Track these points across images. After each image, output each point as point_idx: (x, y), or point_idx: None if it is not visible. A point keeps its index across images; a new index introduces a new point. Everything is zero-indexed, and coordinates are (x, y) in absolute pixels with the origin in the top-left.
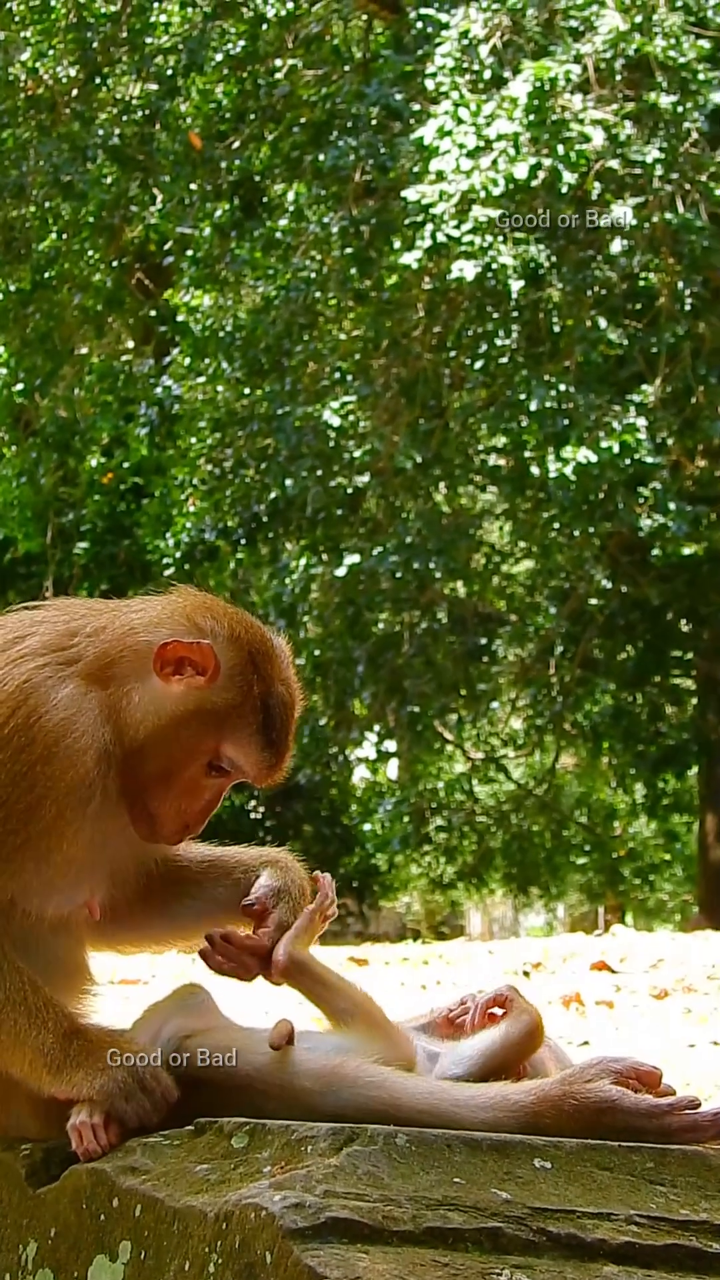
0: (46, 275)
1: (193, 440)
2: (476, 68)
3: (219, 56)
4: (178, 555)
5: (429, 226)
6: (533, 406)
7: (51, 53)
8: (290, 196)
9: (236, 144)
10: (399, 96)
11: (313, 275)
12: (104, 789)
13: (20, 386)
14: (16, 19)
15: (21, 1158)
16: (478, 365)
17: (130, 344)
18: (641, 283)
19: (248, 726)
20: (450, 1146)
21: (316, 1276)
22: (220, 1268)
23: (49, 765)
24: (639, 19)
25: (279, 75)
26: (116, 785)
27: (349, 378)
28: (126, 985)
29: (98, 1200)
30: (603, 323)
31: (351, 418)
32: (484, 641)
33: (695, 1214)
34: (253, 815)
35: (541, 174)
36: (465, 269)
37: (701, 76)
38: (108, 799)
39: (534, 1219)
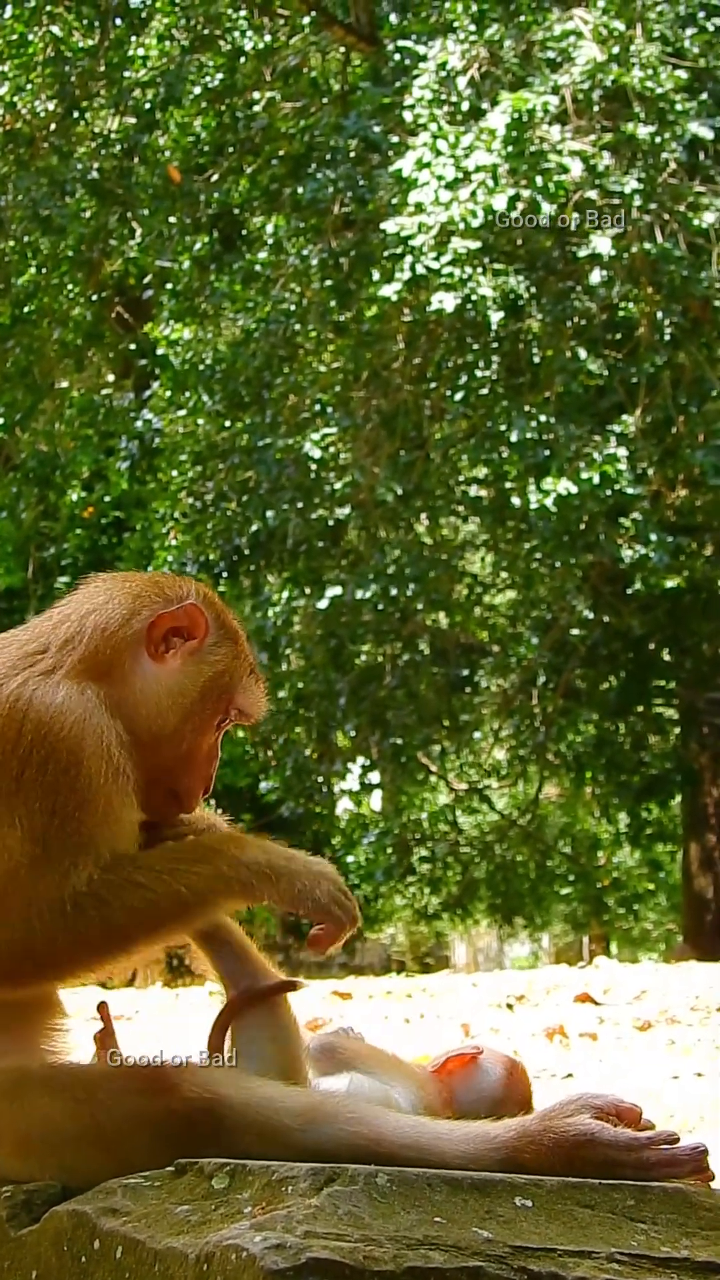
0: (26, 309)
1: (173, 473)
2: (454, 99)
3: (197, 90)
4: None
5: (408, 258)
6: (513, 437)
7: (29, 87)
8: (269, 229)
9: (215, 177)
10: (377, 128)
11: (292, 308)
12: (128, 780)
13: (0, 421)
14: None
15: (3, 1200)
16: (458, 396)
17: (110, 378)
18: (621, 313)
19: (245, 669)
20: (431, 1185)
21: None
22: None
23: (80, 767)
24: (616, 50)
25: (257, 108)
26: (133, 777)
27: (329, 410)
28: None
29: (79, 1242)
30: (583, 353)
31: (332, 450)
32: (466, 672)
33: (676, 1251)
34: None
35: (520, 205)
36: (445, 300)
37: (679, 107)
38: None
39: (515, 1258)
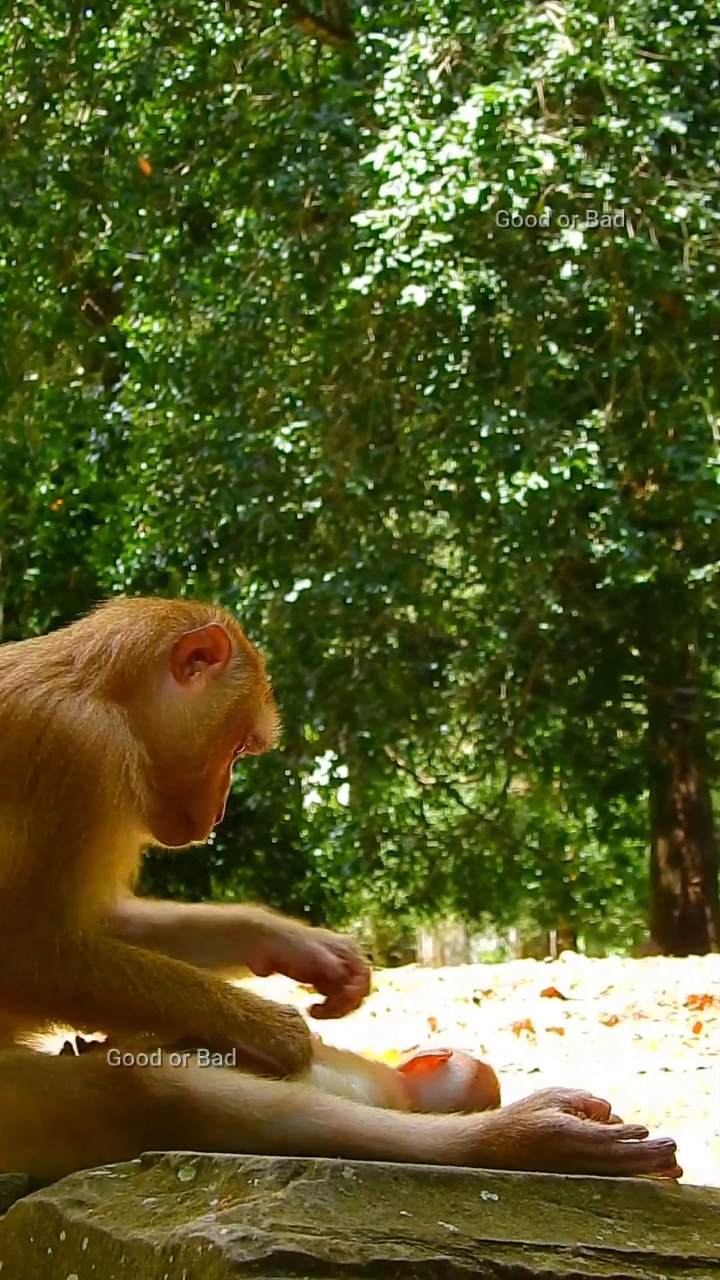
0: None
1: (143, 466)
2: (426, 92)
3: (168, 82)
4: (128, 582)
5: (379, 252)
6: (484, 432)
7: (0, 79)
8: (240, 222)
9: (186, 170)
10: (348, 122)
11: (262, 301)
12: (140, 805)
13: None
14: None
15: None
16: (428, 390)
17: (80, 370)
18: (592, 308)
19: (264, 696)
20: (398, 1179)
21: None
22: None
23: (95, 784)
24: (589, 43)
25: (228, 101)
26: (146, 801)
27: (299, 403)
28: None
29: (45, 1234)
30: (553, 348)
31: (302, 443)
32: (435, 667)
33: (642, 1246)
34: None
35: (492, 199)
36: (415, 294)
37: (651, 100)
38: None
39: (481, 1251)
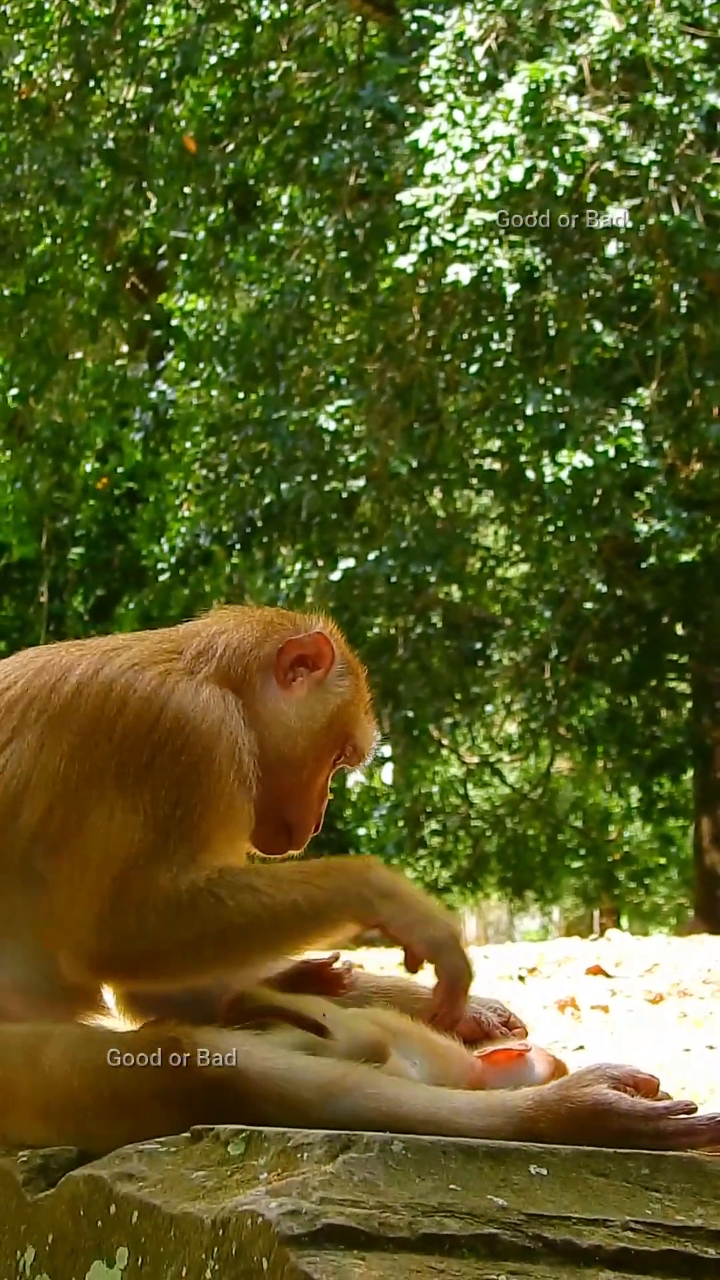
0: (40, 280)
1: (187, 445)
2: (471, 70)
3: (213, 59)
4: (172, 560)
5: (424, 230)
6: (528, 410)
7: (45, 56)
8: (285, 200)
9: (230, 147)
10: (393, 99)
11: (307, 279)
12: (251, 791)
13: (15, 392)
14: (10, 22)
15: (20, 1164)
16: (473, 369)
17: (124, 349)
18: (637, 285)
19: (364, 706)
20: (446, 1153)
21: None
22: (217, 1274)
23: (211, 764)
24: (634, 20)
25: (273, 78)
26: (254, 791)
27: (343, 382)
28: None
29: (95, 1207)
30: (598, 326)
31: (346, 422)
32: (479, 646)
33: (690, 1220)
34: None
35: (537, 176)
36: (460, 272)
37: (697, 77)
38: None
39: (530, 1225)
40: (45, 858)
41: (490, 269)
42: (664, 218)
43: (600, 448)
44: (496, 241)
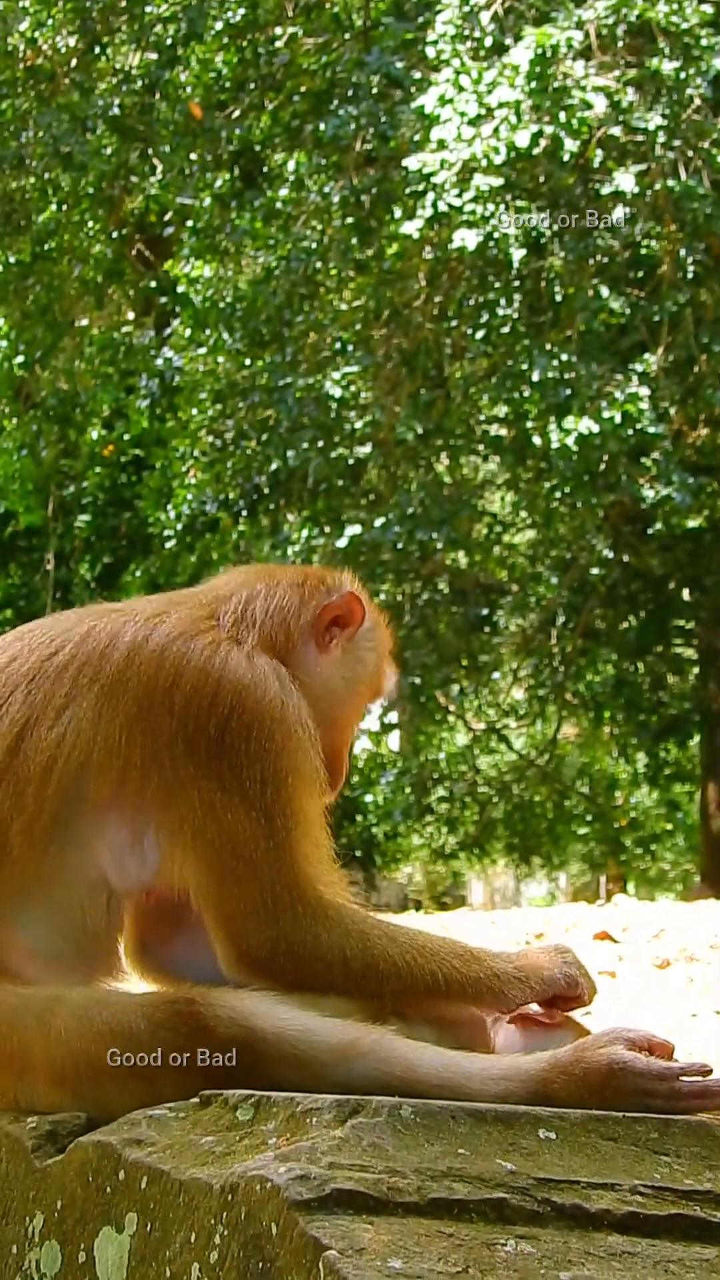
0: (46, 247)
1: (194, 412)
2: (477, 35)
3: (219, 25)
4: (179, 527)
5: (430, 195)
6: (535, 376)
7: (50, 23)
8: (291, 166)
9: (236, 113)
10: (400, 64)
11: (313, 245)
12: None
13: (20, 359)
14: None
15: (28, 1130)
16: (479, 335)
17: (130, 315)
18: (643, 251)
19: (388, 658)
20: (455, 1118)
21: (321, 1248)
22: (226, 1239)
23: (287, 735)
24: None
25: (279, 44)
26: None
27: (350, 348)
28: None
29: (104, 1173)
30: (605, 291)
31: (353, 388)
32: (486, 612)
33: (699, 1184)
34: None
35: (543, 142)
36: (466, 238)
37: (704, 42)
38: None
39: (538, 1189)
40: (156, 830)
41: (496, 234)
42: (671, 183)
43: (606, 413)
44: (503, 207)
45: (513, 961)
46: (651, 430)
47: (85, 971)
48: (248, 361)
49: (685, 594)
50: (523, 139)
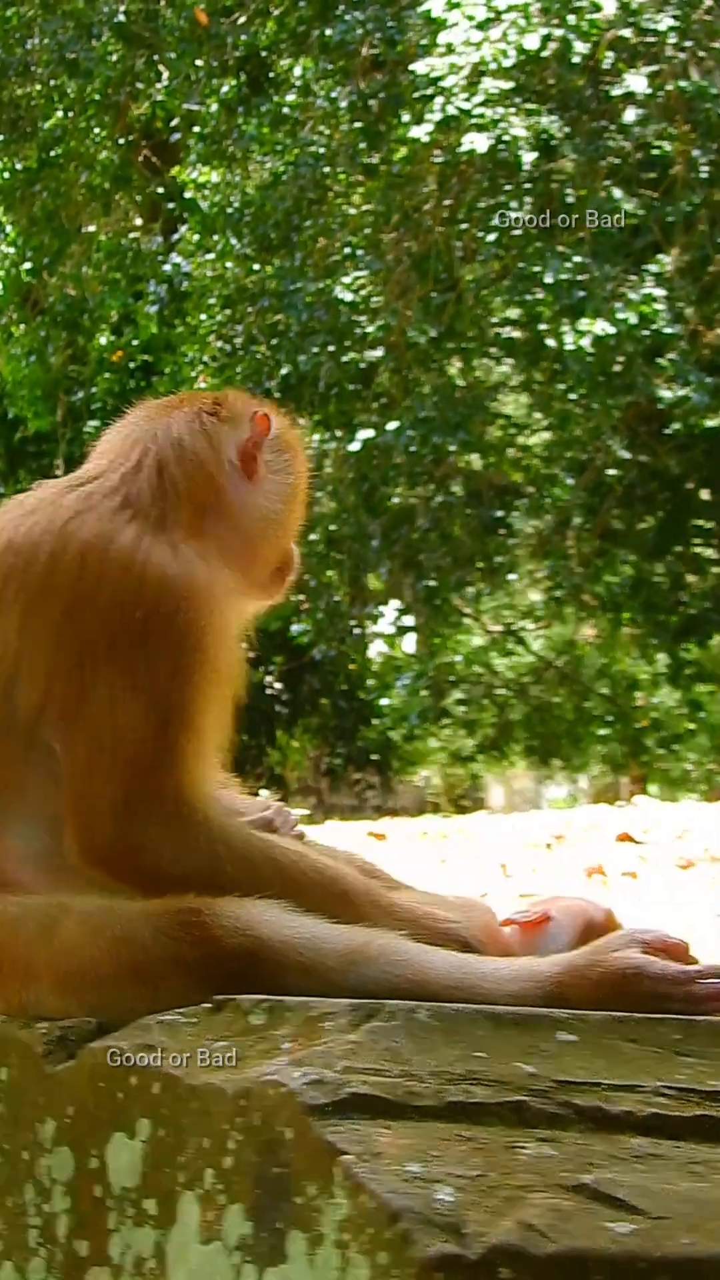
0: (53, 154)
1: (202, 317)
2: None
3: None
4: None
5: (439, 99)
6: (547, 279)
7: None
8: (297, 71)
9: (242, 19)
10: None
11: (321, 150)
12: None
13: (28, 265)
14: None
15: (39, 1036)
16: (490, 238)
17: (138, 221)
18: (655, 152)
19: (300, 446)
20: (473, 1021)
21: (337, 1152)
22: (240, 1145)
23: (206, 635)
24: None
25: None
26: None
27: (360, 252)
28: None
29: (115, 1079)
30: (617, 193)
31: (363, 292)
32: (500, 514)
33: None
34: (269, 691)
35: (553, 44)
36: (476, 141)
37: None
38: None
39: (559, 1092)
40: (54, 731)
41: (506, 137)
42: (682, 83)
43: (621, 315)
44: (512, 110)
45: (401, 914)
46: (667, 331)
47: (82, 877)
48: (256, 267)
49: (704, 494)
50: (532, 42)
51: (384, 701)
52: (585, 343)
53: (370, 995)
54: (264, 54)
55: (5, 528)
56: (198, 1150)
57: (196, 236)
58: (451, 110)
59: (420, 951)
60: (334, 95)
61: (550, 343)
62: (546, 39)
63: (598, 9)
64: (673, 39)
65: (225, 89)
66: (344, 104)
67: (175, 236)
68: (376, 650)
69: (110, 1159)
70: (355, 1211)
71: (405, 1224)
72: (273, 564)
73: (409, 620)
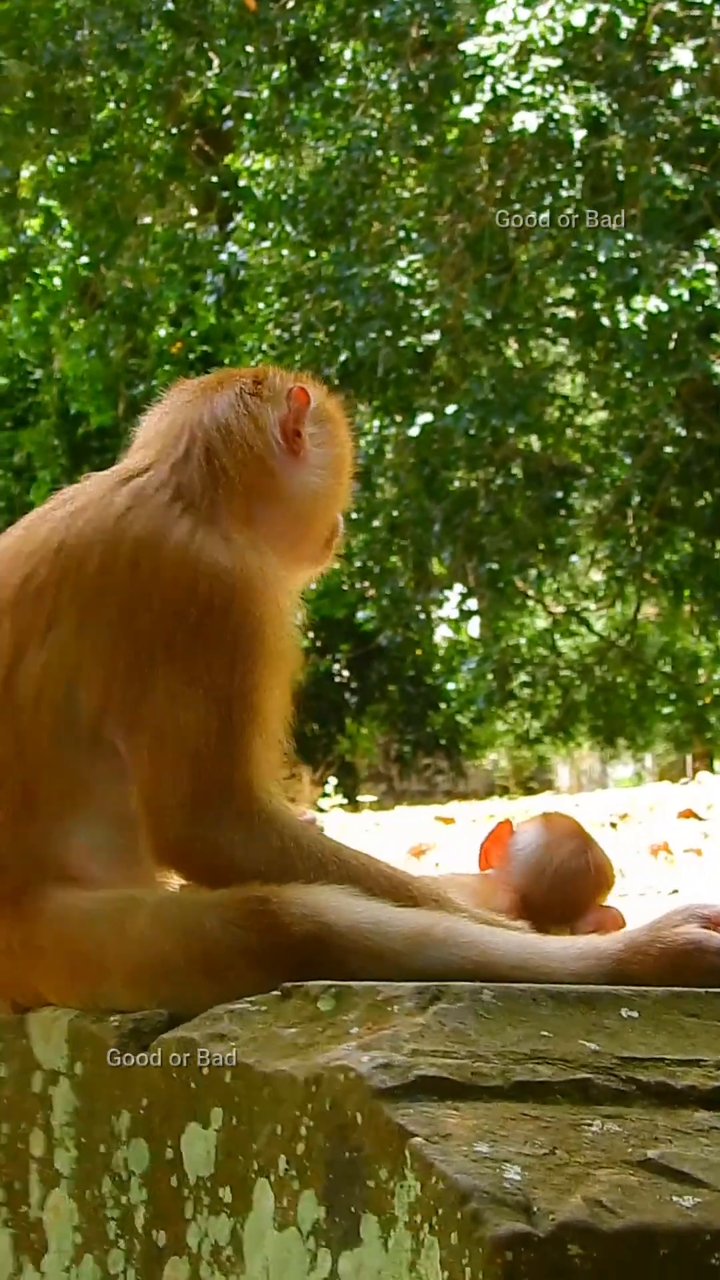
0: (106, 146)
1: (260, 305)
2: None
3: None
4: None
5: (488, 79)
6: (600, 257)
7: None
8: (347, 55)
9: (291, 4)
10: None
11: (373, 134)
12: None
13: (85, 259)
14: None
15: (111, 1029)
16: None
17: (193, 211)
18: (705, 126)
19: (343, 419)
20: (536, 1000)
21: (407, 1134)
22: (312, 1130)
23: (264, 625)
24: None
25: None
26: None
27: (414, 236)
28: None
29: (188, 1069)
30: (667, 169)
31: (419, 276)
32: (560, 495)
33: None
34: (337, 679)
35: (600, 20)
36: (527, 120)
37: None
38: None
39: (623, 1069)
40: (117, 731)
41: (556, 115)
42: None
43: (674, 291)
44: (561, 88)
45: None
46: None
47: (148, 867)
48: (312, 253)
49: None
50: (579, 18)
51: (450, 686)
52: (639, 320)
53: (437, 977)
54: (313, 38)
55: (57, 528)
56: (270, 1137)
57: (252, 225)
58: (501, 90)
59: (484, 933)
60: (384, 78)
61: (605, 321)
62: (593, 15)
63: None
64: (718, 12)
65: (276, 75)
66: (394, 86)
67: (230, 225)
68: (441, 635)
69: (185, 1149)
70: (426, 1193)
71: (475, 1204)
72: (324, 537)
73: (472, 604)
